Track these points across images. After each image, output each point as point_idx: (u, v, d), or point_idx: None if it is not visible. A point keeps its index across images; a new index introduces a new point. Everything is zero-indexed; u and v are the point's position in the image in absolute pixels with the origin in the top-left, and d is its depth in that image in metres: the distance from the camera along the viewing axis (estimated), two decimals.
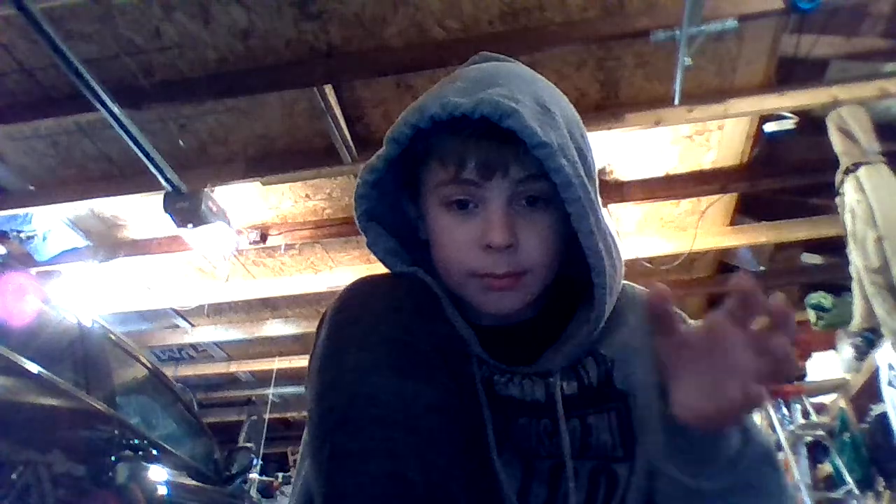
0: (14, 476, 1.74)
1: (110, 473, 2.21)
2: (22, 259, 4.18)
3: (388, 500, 0.58)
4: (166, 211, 3.55)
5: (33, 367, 2.01)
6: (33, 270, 4.22)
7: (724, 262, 5.22)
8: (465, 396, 0.69)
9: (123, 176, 3.79)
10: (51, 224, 4.30)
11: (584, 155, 0.75)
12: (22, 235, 4.20)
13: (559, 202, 0.71)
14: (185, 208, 3.52)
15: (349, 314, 0.70)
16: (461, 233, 0.74)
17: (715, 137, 3.72)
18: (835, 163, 3.20)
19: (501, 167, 0.70)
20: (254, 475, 6.07)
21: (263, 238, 4.32)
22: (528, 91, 0.73)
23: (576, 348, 0.75)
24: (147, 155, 3.19)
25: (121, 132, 3.03)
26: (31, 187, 3.88)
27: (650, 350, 0.76)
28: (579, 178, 0.70)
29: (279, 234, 4.35)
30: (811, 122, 3.45)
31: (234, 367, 7.06)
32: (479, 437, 0.71)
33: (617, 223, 4.33)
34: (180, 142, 3.55)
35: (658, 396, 0.65)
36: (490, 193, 0.72)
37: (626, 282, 0.84)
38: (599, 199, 0.77)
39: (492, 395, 0.75)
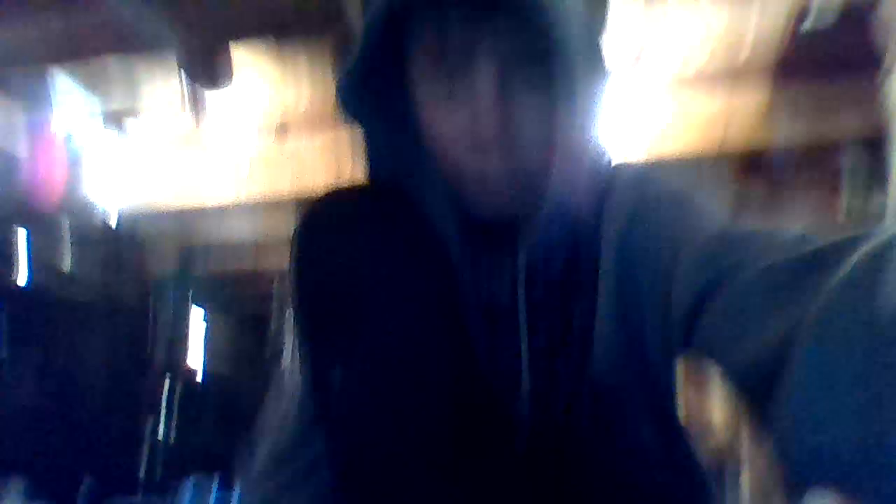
0: None
1: None
2: None
3: (374, 366, 0.63)
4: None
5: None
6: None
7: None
8: (442, 285, 0.70)
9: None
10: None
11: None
12: None
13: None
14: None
15: (322, 222, 0.71)
16: (450, 126, 0.64)
17: (749, 35, 3.57)
18: (877, 61, 3.06)
19: (488, 46, 0.60)
20: None
21: (281, 133, 4.28)
22: None
23: (545, 234, 0.69)
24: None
25: None
26: None
27: (643, 221, 0.68)
28: (573, 29, 0.60)
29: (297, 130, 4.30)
30: (852, 19, 3.26)
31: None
32: (456, 313, 0.71)
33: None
34: None
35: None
36: (478, 78, 0.61)
37: (626, 163, 0.77)
38: (602, 79, 0.68)
39: (466, 286, 0.72)
